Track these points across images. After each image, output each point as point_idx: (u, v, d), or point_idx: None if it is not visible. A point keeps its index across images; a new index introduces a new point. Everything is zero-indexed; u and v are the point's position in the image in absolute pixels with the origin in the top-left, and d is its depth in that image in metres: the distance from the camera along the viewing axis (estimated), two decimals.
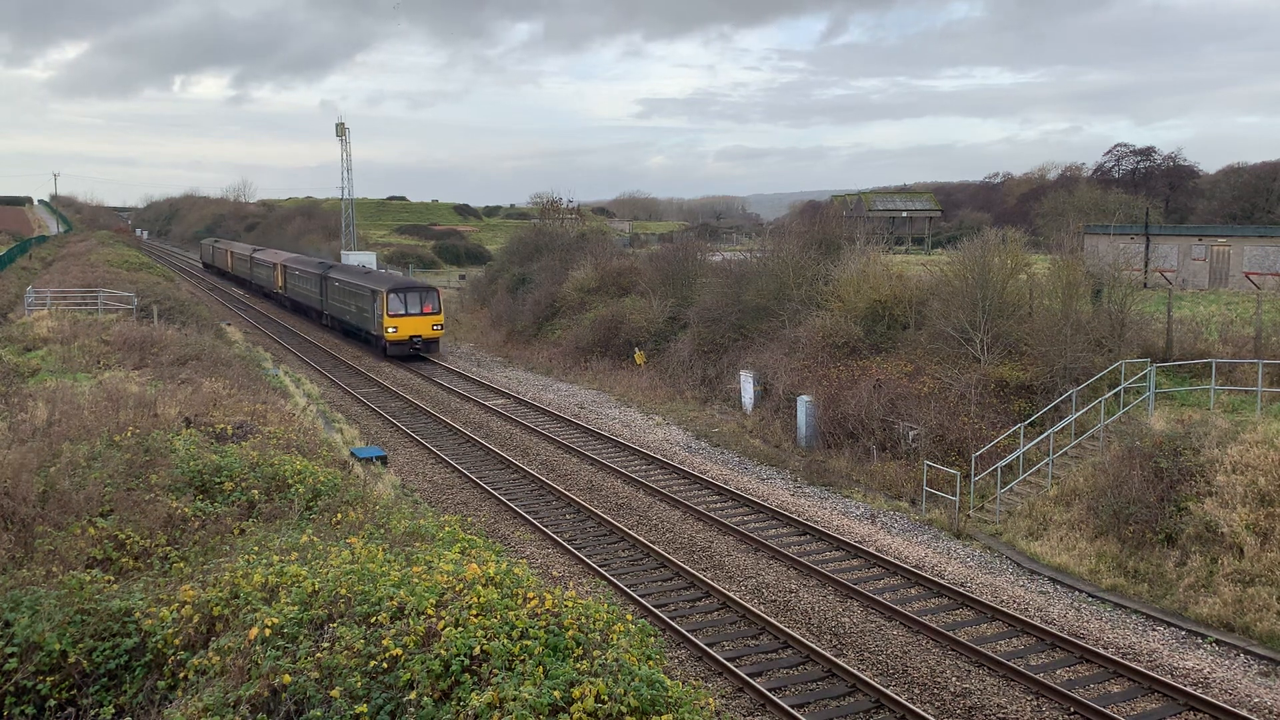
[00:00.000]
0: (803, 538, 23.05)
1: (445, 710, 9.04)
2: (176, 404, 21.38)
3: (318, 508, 15.49)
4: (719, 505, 25.42)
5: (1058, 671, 16.43)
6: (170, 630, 11.07)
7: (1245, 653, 17.06)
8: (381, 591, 10.80)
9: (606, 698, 8.82)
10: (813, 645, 16.91)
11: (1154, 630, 18.12)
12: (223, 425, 19.80)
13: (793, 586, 19.86)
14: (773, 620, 17.95)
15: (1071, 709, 15.00)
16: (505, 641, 9.68)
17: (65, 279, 52.84)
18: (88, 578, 11.98)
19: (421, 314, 47.83)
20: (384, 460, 27.21)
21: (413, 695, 9.23)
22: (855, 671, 15.95)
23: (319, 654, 9.88)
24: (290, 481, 16.19)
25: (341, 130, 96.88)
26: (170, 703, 10.27)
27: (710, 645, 17.11)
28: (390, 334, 47.32)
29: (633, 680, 9.12)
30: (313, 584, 11.18)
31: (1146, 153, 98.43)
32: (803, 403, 31.70)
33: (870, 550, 21.72)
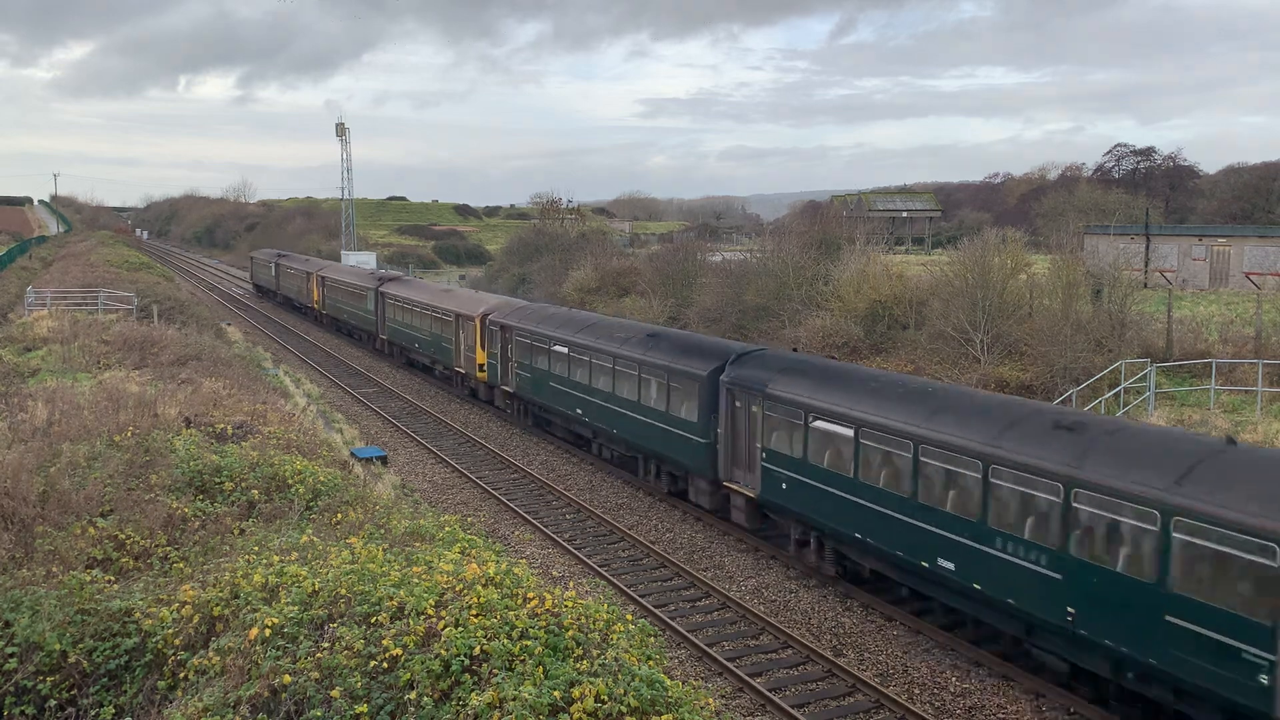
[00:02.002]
0: None
1: (445, 710, 9.04)
2: (176, 404, 21.38)
3: (318, 508, 15.49)
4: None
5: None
6: (170, 630, 11.07)
7: None
8: (381, 591, 10.80)
9: (606, 698, 8.82)
10: (812, 645, 16.91)
11: None
12: (223, 425, 19.80)
13: (793, 586, 19.86)
14: (773, 620, 17.95)
15: (1071, 709, 15.00)
16: (505, 641, 9.68)
17: (65, 279, 52.85)
18: (88, 578, 11.99)
19: None
20: (384, 460, 27.22)
21: (413, 695, 9.24)
22: (855, 672, 15.95)
23: (319, 654, 9.88)
24: (290, 481, 16.19)
25: (341, 130, 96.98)
26: (170, 703, 10.28)
27: (710, 645, 17.11)
28: None
29: (633, 680, 9.13)
30: (313, 584, 11.18)
31: (1147, 153, 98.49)
32: None
33: None
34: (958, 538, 15.90)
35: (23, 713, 10.61)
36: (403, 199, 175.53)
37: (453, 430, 33.42)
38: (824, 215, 61.33)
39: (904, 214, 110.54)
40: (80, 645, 10.97)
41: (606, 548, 22.18)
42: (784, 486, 20.03)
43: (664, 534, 23.04)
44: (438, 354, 40.00)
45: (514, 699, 8.73)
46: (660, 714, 8.86)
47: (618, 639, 10.16)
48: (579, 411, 28.16)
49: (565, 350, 28.81)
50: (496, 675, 9.21)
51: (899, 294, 38.49)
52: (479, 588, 10.81)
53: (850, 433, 18.13)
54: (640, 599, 18.89)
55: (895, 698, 15.12)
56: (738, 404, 21.56)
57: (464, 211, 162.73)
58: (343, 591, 10.94)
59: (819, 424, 18.90)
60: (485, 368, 34.85)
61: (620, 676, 9.18)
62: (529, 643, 9.69)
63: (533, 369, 31.07)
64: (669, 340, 25.51)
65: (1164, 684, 13.14)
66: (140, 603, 11.53)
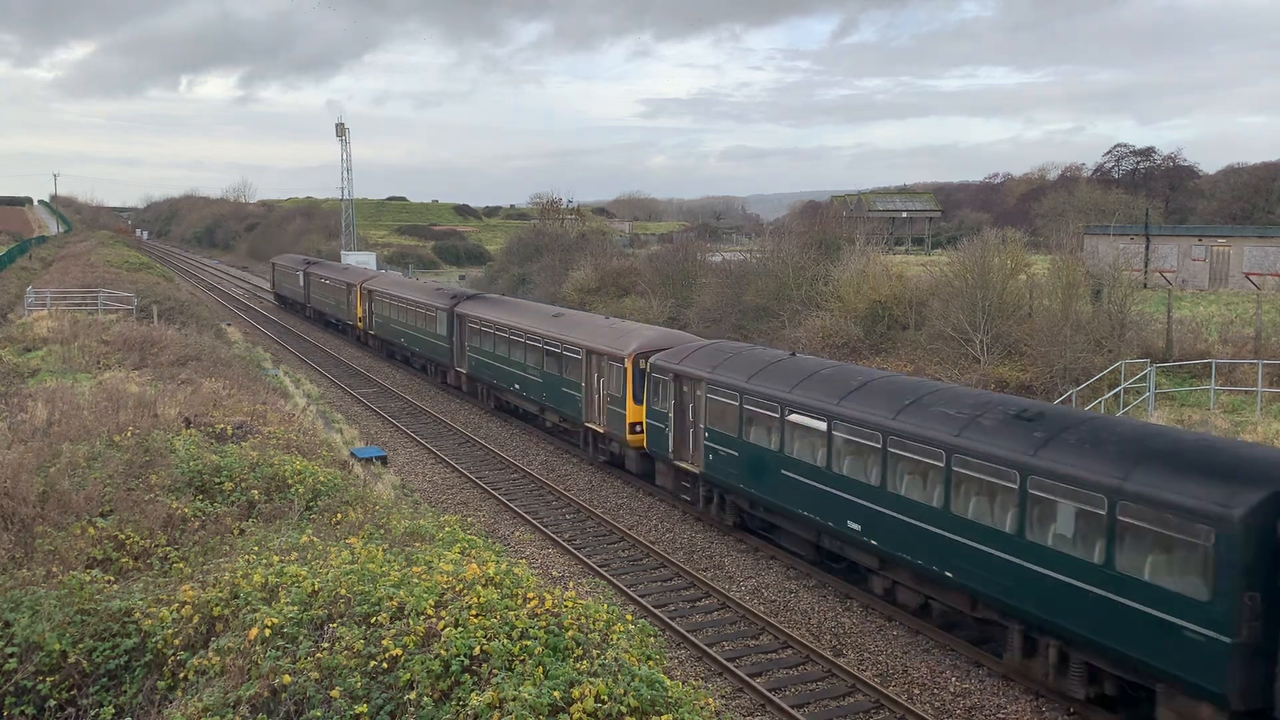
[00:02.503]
0: None
1: (445, 710, 9.05)
2: (176, 404, 21.38)
3: (318, 508, 15.49)
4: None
5: None
6: (170, 630, 11.07)
7: None
8: (381, 592, 10.80)
9: (606, 698, 8.82)
10: (812, 645, 16.92)
11: None
12: (223, 425, 19.80)
13: (793, 586, 19.86)
14: (772, 620, 17.96)
15: (1071, 709, 15.00)
16: (505, 641, 9.69)
17: (65, 279, 52.86)
18: (88, 578, 11.99)
19: None
20: (384, 460, 27.23)
21: (413, 695, 9.24)
22: (855, 672, 15.95)
23: (319, 654, 9.88)
24: (290, 481, 16.19)
25: (341, 130, 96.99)
26: (170, 703, 10.28)
27: (710, 645, 17.11)
28: None
29: (633, 680, 9.13)
30: (313, 584, 11.18)
31: (1146, 153, 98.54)
32: None
33: None
34: None
35: (23, 713, 10.61)
36: (403, 199, 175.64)
37: (453, 430, 33.42)
38: (824, 215, 61.37)
39: (904, 214, 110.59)
40: (80, 645, 10.97)
41: (606, 548, 22.19)
42: None
43: (664, 534, 23.04)
44: (553, 401, 29.94)
45: (514, 699, 8.73)
46: (660, 714, 8.87)
47: (618, 639, 10.16)
48: (854, 527, 17.91)
49: (821, 425, 18.65)
50: (496, 675, 9.21)
51: (899, 294, 38.52)
52: (479, 588, 10.81)
53: None
54: (640, 599, 18.90)
55: (895, 698, 15.12)
56: None
57: (464, 211, 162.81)
58: (343, 591, 10.95)
59: None
60: (643, 430, 25.04)
61: (620, 676, 9.18)
62: (529, 643, 9.70)
63: (744, 446, 20.90)
64: (1091, 432, 14.80)
65: None
66: (140, 603, 11.53)
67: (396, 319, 44.66)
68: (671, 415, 23.47)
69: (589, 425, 27.70)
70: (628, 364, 25.45)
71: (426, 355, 41.35)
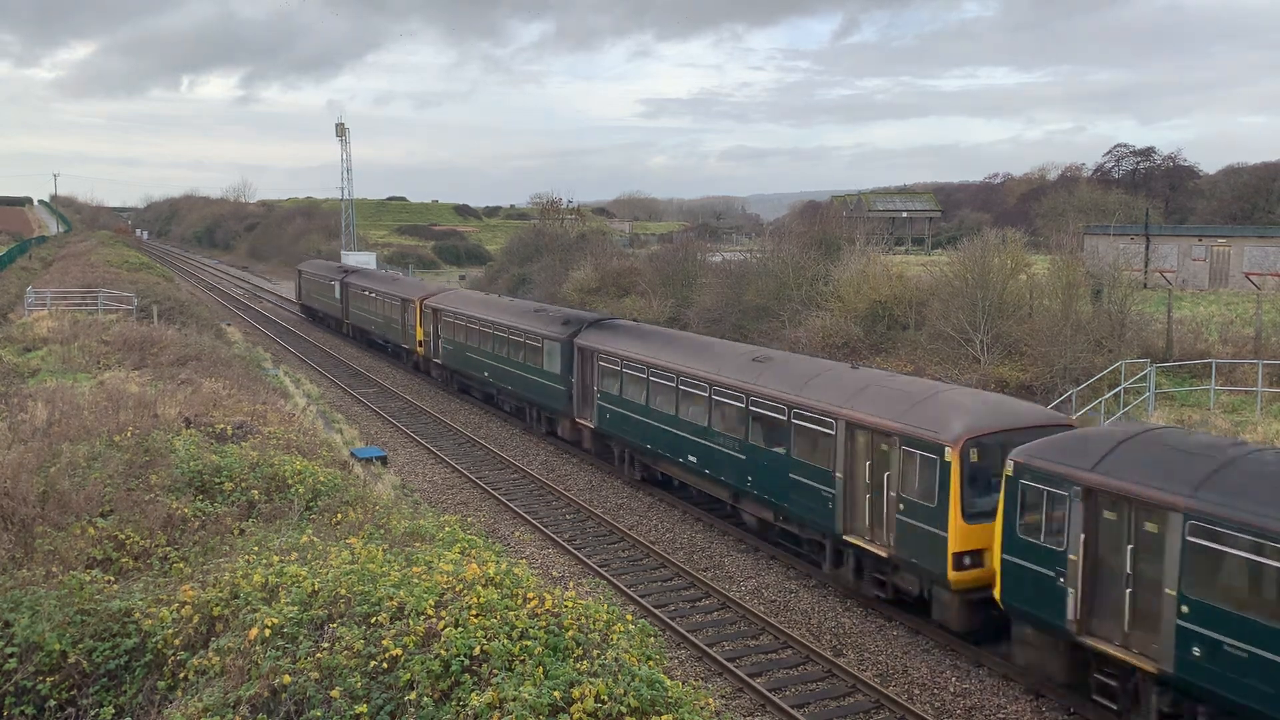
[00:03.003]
0: None
1: (445, 710, 9.05)
2: (176, 404, 21.38)
3: (318, 508, 15.49)
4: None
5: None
6: (170, 630, 11.08)
7: None
8: (381, 592, 10.80)
9: (606, 698, 8.83)
10: (812, 645, 16.92)
11: None
12: (223, 425, 19.80)
13: (793, 586, 19.86)
14: (772, 620, 17.96)
15: (1071, 709, 14.99)
16: (505, 642, 9.69)
17: (65, 279, 52.85)
18: (88, 578, 11.99)
19: None
20: (384, 460, 27.23)
21: (413, 695, 9.24)
22: (855, 672, 15.95)
23: (319, 654, 9.88)
24: (290, 481, 16.19)
25: (341, 130, 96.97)
26: (170, 703, 10.28)
27: (710, 645, 17.11)
28: None
29: (633, 680, 9.13)
30: (313, 584, 11.18)
31: (1146, 153, 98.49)
32: None
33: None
34: None
35: (23, 713, 10.61)
36: (403, 199, 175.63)
37: (452, 430, 33.42)
38: (824, 215, 61.42)
39: (904, 214, 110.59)
40: (80, 645, 10.97)
41: (606, 548, 22.18)
42: None
43: (664, 534, 23.03)
44: (769, 492, 20.56)
45: (514, 699, 8.73)
46: (660, 714, 8.87)
47: (618, 639, 10.16)
48: None
49: None
50: (496, 675, 9.21)
51: (899, 294, 38.55)
52: (479, 588, 10.81)
53: None
54: (640, 599, 18.90)
55: (895, 698, 15.12)
56: None
57: (464, 211, 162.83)
58: (343, 591, 10.95)
59: None
60: (980, 565, 16.16)
61: (620, 676, 9.18)
62: (529, 643, 9.70)
63: None
64: None
65: None
66: (140, 603, 11.53)
67: (479, 347, 35.34)
68: (1079, 560, 13.95)
69: (850, 539, 18.37)
70: (953, 456, 16.12)
71: (526, 397, 32.14)
